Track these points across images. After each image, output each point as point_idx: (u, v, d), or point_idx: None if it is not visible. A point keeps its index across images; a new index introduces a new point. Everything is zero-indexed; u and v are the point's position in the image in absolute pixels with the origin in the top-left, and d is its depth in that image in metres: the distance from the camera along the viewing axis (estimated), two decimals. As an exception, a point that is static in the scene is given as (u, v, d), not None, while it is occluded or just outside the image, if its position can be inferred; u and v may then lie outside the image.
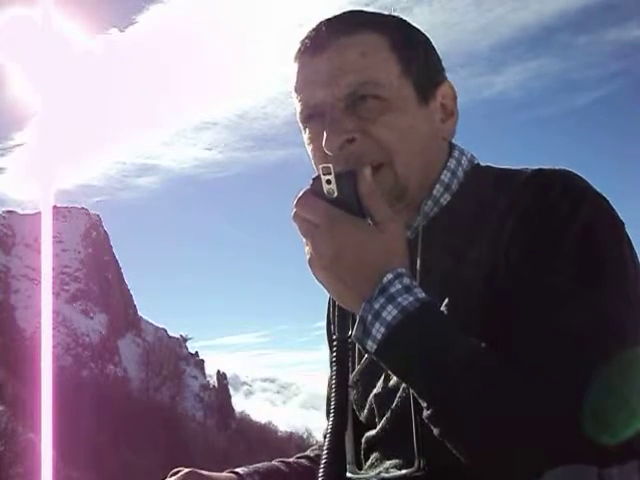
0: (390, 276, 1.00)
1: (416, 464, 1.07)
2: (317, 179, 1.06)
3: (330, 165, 1.05)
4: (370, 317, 0.99)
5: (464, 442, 0.95)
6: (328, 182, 1.04)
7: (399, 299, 0.98)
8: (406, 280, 1.00)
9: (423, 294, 1.00)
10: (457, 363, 0.94)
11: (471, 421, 0.93)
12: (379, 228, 1.03)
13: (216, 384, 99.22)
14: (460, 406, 0.93)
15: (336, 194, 1.04)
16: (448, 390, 0.94)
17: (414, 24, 1.21)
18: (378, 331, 0.98)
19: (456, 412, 0.94)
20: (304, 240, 1.06)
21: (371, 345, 0.99)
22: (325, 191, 1.05)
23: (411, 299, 0.98)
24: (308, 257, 1.05)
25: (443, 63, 1.21)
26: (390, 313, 0.98)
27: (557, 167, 1.10)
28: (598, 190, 1.07)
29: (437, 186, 1.17)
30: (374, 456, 1.19)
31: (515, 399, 0.91)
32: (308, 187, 1.07)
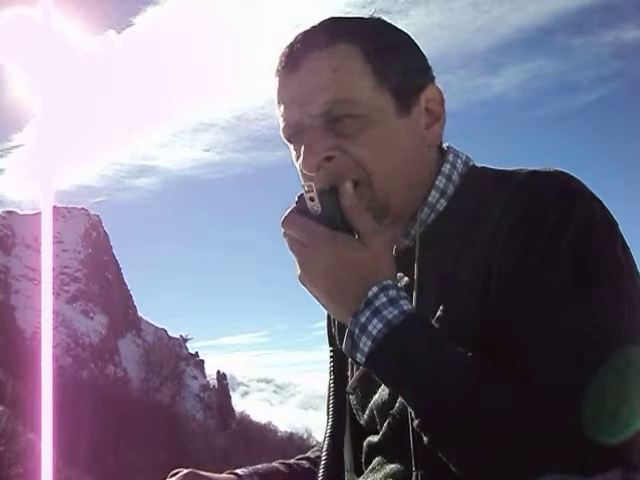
0: (375, 289, 1.01)
1: (414, 477, 1.06)
2: (302, 197, 1.08)
3: (312, 183, 1.07)
4: (357, 331, 1.01)
5: (452, 451, 0.96)
6: (311, 199, 1.06)
7: (384, 312, 0.99)
8: (392, 292, 1.01)
9: (409, 306, 1.01)
10: (443, 374, 0.95)
11: (458, 431, 0.94)
12: (364, 241, 1.04)
13: (216, 384, 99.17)
14: (446, 416, 0.95)
15: (320, 211, 1.06)
16: (434, 401, 0.95)
17: (401, 26, 1.19)
18: (365, 344, 1.00)
19: (443, 422, 0.95)
20: (293, 258, 1.08)
21: (360, 358, 1.01)
22: (309, 208, 1.07)
23: (396, 312, 0.99)
24: (297, 274, 1.07)
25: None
26: (375, 327, 0.99)
27: (551, 168, 1.10)
28: (592, 191, 1.07)
29: (432, 192, 1.16)
30: (376, 461, 1.20)
31: (502, 409, 0.92)
32: (294, 205, 1.09)
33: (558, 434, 0.89)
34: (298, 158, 1.15)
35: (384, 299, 1.01)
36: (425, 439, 0.98)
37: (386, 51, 1.14)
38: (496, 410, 0.92)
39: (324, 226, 1.05)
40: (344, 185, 1.07)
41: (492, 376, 0.94)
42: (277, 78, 1.16)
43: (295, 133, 1.15)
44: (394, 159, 1.12)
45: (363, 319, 1.01)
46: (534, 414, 0.90)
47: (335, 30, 1.15)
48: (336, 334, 1.36)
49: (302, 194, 1.08)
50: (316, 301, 1.09)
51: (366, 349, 1.00)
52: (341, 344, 1.18)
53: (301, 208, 1.08)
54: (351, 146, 1.10)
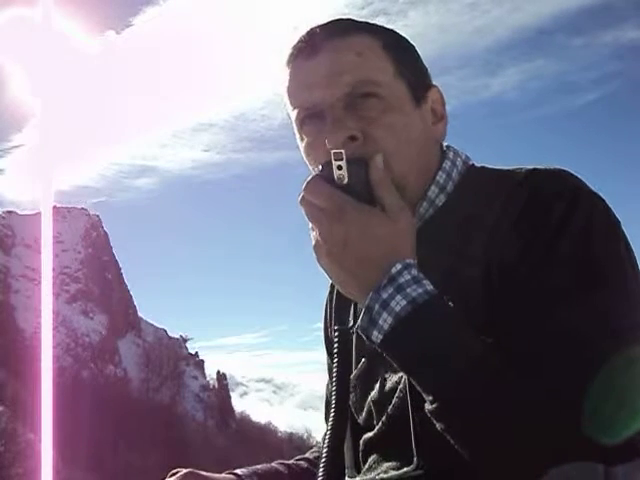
0: (399, 266, 0.99)
1: (414, 463, 1.06)
2: (327, 165, 1.05)
3: (342, 151, 1.03)
4: (377, 306, 0.98)
5: (467, 439, 0.95)
6: (339, 168, 1.03)
7: (408, 290, 0.97)
8: (414, 271, 1.00)
9: (431, 286, 0.99)
10: (464, 359, 0.94)
11: (475, 418, 0.93)
12: (389, 217, 1.03)
13: (216, 384, 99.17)
14: (465, 403, 0.93)
15: (346, 180, 1.03)
16: (454, 386, 0.94)
17: (399, 27, 1.23)
18: (385, 321, 0.97)
19: (461, 408, 0.94)
20: (311, 225, 1.06)
21: (377, 335, 0.99)
22: (335, 177, 1.04)
23: (420, 290, 0.98)
24: (314, 243, 1.05)
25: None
26: (399, 303, 0.97)
27: (552, 166, 1.10)
28: (593, 189, 1.07)
29: (432, 187, 1.17)
30: (372, 458, 1.19)
31: (519, 399, 0.91)
32: (318, 172, 1.07)
33: (567, 429, 0.88)
34: (313, 140, 1.14)
35: (408, 277, 0.99)
36: (438, 425, 0.96)
37: (400, 47, 1.18)
38: (513, 402, 0.91)
39: (349, 196, 1.03)
40: (375, 158, 1.06)
41: (511, 368, 0.93)
42: (292, 64, 1.16)
43: (312, 115, 1.14)
44: (411, 146, 1.13)
45: (385, 295, 0.98)
46: (546, 408, 0.90)
47: (351, 23, 1.18)
48: (331, 322, 1.35)
49: (328, 162, 1.05)
50: (325, 274, 1.06)
51: (386, 326, 0.97)
52: (340, 326, 1.17)
53: (325, 175, 1.05)
54: (372, 129, 1.10)
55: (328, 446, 1.16)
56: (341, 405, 1.18)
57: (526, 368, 0.93)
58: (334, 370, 1.19)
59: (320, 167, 1.08)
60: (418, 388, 0.99)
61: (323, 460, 1.15)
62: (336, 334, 1.20)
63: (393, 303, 0.97)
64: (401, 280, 0.98)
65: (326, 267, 1.05)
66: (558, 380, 0.91)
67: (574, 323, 0.94)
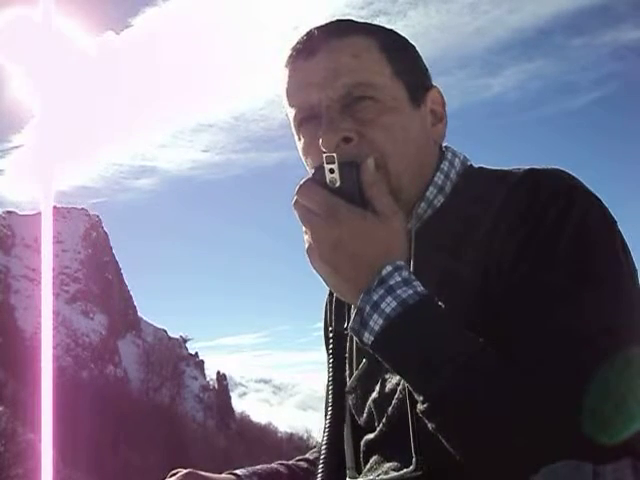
0: (389, 268, 0.99)
1: (414, 463, 1.06)
2: (320, 168, 1.06)
3: (334, 154, 1.04)
4: (368, 308, 0.98)
5: (459, 438, 0.95)
6: (331, 171, 1.04)
7: (398, 291, 0.97)
8: (405, 273, 1.00)
9: (422, 288, 0.99)
10: (455, 359, 0.94)
11: (467, 418, 0.93)
12: (380, 219, 1.03)
13: (216, 385, 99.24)
14: (456, 402, 0.93)
15: (339, 183, 1.04)
16: (445, 386, 0.93)
17: (399, 28, 1.23)
18: (376, 323, 0.98)
19: (452, 408, 0.94)
20: (303, 228, 1.06)
21: (368, 337, 0.99)
22: (327, 180, 1.04)
23: (410, 292, 0.98)
24: (307, 246, 1.05)
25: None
26: (389, 305, 0.97)
27: (549, 166, 1.10)
28: (590, 189, 1.08)
29: (430, 188, 1.16)
30: (373, 459, 1.19)
31: (512, 397, 0.91)
32: (310, 175, 1.08)
33: (563, 428, 0.88)
34: (309, 142, 1.14)
35: (398, 278, 0.99)
36: (430, 425, 0.96)
37: (399, 48, 1.18)
38: (505, 401, 0.91)
39: (342, 199, 1.03)
40: (367, 160, 1.06)
41: (503, 367, 0.93)
42: (290, 65, 1.16)
43: (309, 117, 1.14)
44: (408, 146, 1.13)
45: (376, 297, 0.98)
46: (541, 407, 0.90)
47: (350, 24, 1.18)
48: (330, 323, 1.35)
49: (320, 165, 1.05)
50: (319, 277, 1.06)
51: (377, 327, 0.97)
52: (339, 327, 1.17)
53: (318, 179, 1.06)
54: (368, 129, 1.10)
55: (326, 446, 1.16)
56: (337, 404, 1.18)
57: (523, 367, 0.92)
58: (329, 370, 1.19)
59: (313, 170, 1.08)
60: (410, 388, 0.99)
61: (322, 459, 1.15)
62: (330, 335, 1.21)
63: (383, 305, 0.97)
64: (392, 282, 0.98)
65: (319, 270, 1.05)
66: (555, 379, 0.91)
67: (571, 322, 0.94)
